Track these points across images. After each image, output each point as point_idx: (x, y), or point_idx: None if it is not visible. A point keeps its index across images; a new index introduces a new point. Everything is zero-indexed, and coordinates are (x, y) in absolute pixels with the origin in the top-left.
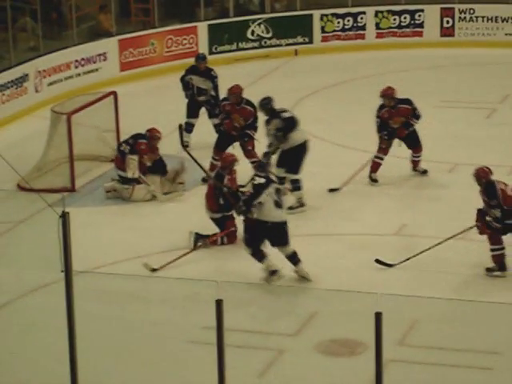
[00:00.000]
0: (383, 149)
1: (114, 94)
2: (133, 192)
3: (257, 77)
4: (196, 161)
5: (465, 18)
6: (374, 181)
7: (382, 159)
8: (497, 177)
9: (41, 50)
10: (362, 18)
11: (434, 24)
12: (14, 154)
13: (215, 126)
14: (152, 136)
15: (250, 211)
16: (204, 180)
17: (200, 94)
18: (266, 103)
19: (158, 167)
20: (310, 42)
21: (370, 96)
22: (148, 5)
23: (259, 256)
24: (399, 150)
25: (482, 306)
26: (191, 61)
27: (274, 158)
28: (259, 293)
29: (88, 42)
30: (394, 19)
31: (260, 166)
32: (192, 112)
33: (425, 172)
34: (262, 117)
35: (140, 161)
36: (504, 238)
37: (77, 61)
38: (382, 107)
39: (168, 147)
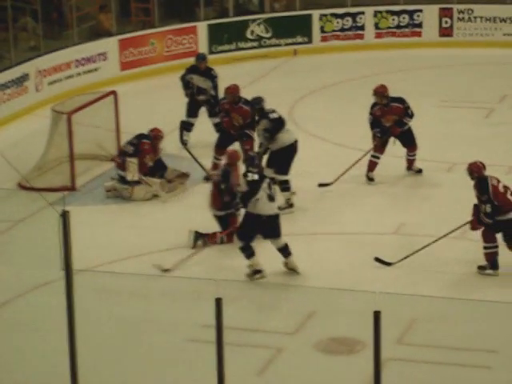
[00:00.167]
0: (379, 148)
1: (114, 93)
2: (133, 192)
3: (256, 76)
4: (196, 159)
5: (463, 18)
6: (370, 180)
7: (378, 158)
8: (496, 176)
9: (41, 49)
10: (360, 18)
11: (432, 24)
12: (14, 153)
13: (215, 125)
14: (155, 136)
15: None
16: (206, 178)
17: (200, 93)
18: (256, 103)
19: (159, 167)
20: (309, 41)
21: (368, 96)
22: (148, 4)
23: (248, 252)
24: (396, 149)
25: (480, 304)
26: (191, 60)
27: (265, 159)
28: (258, 291)
29: (88, 41)
30: (393, 19)
31: (251, 162)
32: (192, 111)
33: (419, 171)
34: None
35: (142, 161)
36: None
37: (77, 60)
38: (374, 105)
39: (168, 146)
